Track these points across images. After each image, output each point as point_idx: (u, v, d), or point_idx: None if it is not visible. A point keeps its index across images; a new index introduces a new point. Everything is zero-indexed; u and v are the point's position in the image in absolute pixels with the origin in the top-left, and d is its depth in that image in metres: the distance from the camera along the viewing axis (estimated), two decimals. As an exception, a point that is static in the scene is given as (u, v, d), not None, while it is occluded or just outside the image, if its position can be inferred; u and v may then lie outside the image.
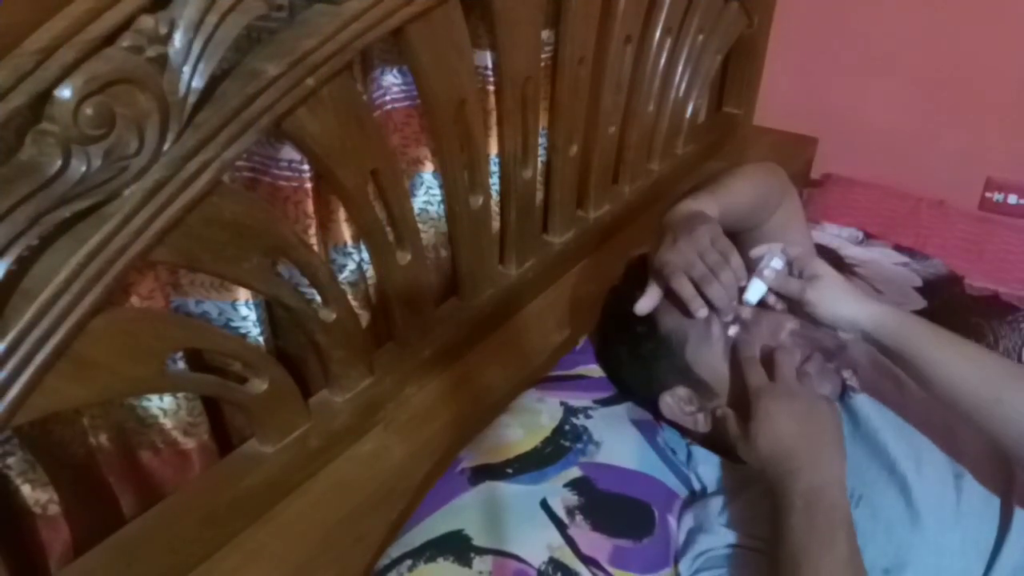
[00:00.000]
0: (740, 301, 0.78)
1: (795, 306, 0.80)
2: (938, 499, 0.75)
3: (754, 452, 0.73)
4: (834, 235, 1.39)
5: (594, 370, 0.94)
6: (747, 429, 0.74)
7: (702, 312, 0.75)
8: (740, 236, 0.93)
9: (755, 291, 0.78)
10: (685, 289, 0.75)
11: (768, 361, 0.78)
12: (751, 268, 0.79)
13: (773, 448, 0.71)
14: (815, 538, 0.65)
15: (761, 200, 0.91)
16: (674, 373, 0.84)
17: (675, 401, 0.84)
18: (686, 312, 0.76)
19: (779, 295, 0.80)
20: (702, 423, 0.84)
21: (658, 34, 1.26)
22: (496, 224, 1.08)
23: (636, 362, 0.87)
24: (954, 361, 0.71)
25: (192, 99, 0.59)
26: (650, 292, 0.79)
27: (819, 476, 0.68)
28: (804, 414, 0.72)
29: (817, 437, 0.71)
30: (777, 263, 0.79)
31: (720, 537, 0.78)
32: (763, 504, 0.75)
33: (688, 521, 0.82)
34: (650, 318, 0.81)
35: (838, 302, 0.77)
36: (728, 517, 0.80)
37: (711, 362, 0.82)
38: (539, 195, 1.14)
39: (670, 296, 0.79)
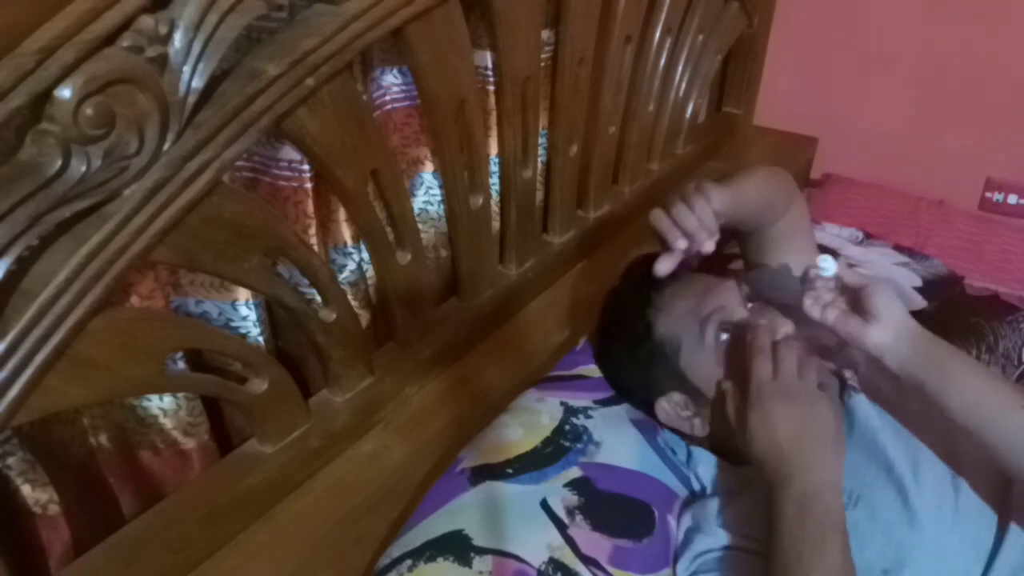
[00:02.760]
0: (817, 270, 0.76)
1: (788, 310, 0.79)
2: (936, 500, 0.75)
3: (749, 451, 0.73)
4: (834, 235, 1.39)
5: (594, 370, 0.94)
6: (744, 423, 0.74)
7: (681, 243, 0.74)
8: (746, 238, 0.93)
9: (829, 265, 0.75)
10: (661, 222, 0.75)
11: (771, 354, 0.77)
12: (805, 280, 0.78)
13: (768, 452, 0.71)
14: (807, 543, 0.65)
15: (770, 201, 0.91)
16: (669, 378, 0.84)
17: (671, 406, 0.85)
18: (666, 245, 0.76)
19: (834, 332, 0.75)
20: (699, 427, 0.84)
21: (658, 34, 1.26)
22: (496, 224, 1.08)
23: (633, 365, 0.87)
24: (968, 386, 0.69)
25: (192, 99, 0.59)
26: (667, 253, 0.78)
27: (813, 481, 0.68)
28: (802, 417, 0.72)
29: (814, 440, 0.71)
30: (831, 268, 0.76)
31: (717, 538, 0.78)
32: (761, 506, 0.75)
33: (687, 521, 0.82)
34: (648, 320, 0.81)
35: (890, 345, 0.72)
36: (725, 518, 0.79)
37: (705, 369, 0.82)
38: (539, 195, 1.14)
39: (661, 244, 0.78)
